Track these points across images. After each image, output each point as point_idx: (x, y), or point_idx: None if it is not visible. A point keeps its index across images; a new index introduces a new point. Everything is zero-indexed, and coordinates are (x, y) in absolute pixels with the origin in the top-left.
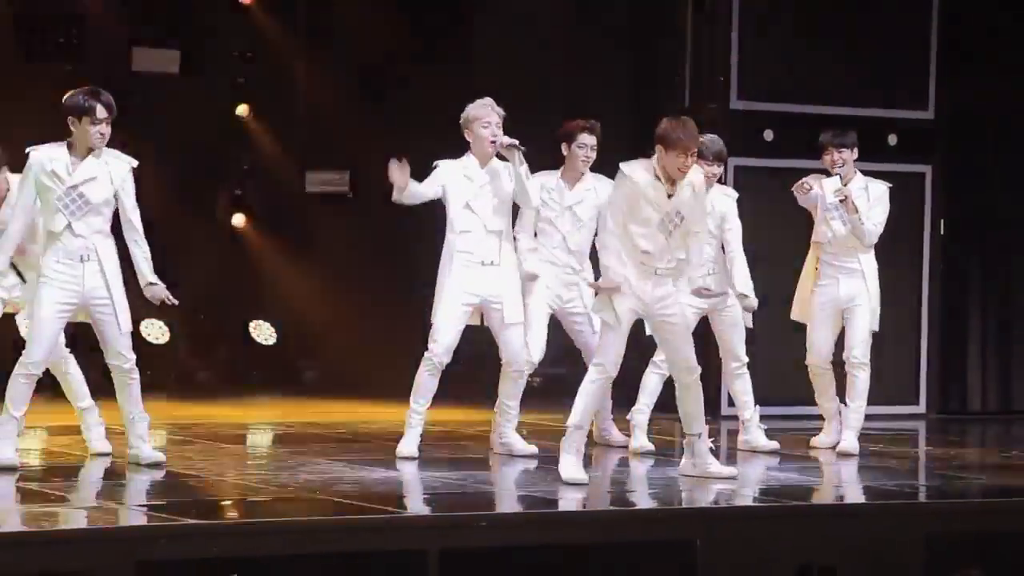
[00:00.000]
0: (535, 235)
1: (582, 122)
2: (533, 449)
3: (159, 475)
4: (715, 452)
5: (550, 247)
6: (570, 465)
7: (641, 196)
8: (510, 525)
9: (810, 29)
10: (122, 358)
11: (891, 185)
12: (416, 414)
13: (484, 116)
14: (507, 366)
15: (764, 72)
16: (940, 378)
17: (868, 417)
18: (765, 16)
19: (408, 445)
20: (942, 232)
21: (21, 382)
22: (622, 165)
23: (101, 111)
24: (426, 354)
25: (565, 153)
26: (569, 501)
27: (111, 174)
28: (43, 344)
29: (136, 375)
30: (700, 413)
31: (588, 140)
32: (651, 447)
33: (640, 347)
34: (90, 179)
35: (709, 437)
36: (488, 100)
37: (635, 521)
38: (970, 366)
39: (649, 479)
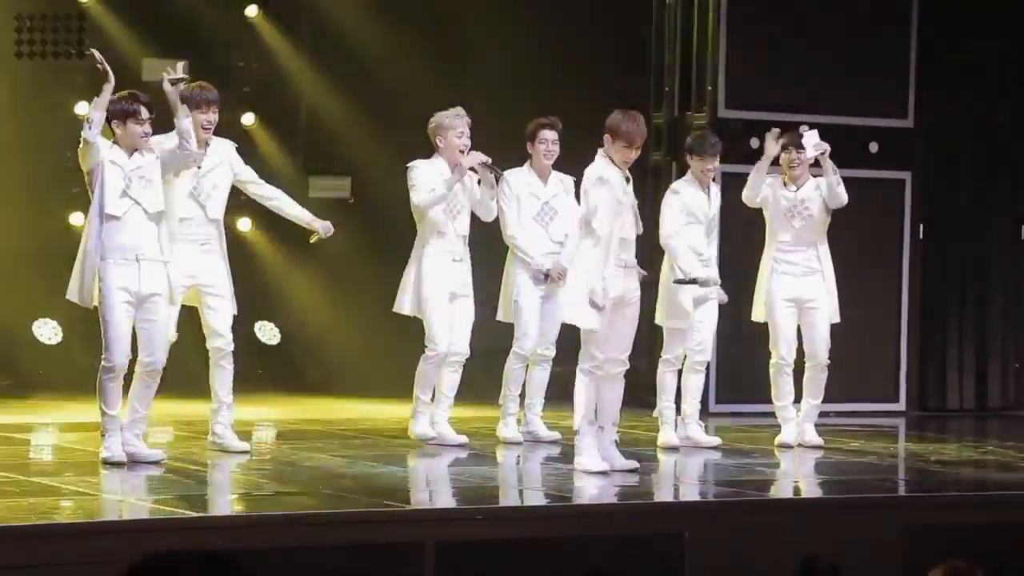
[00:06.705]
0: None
1: (542, 120)
2: (463, 439)
3: (164, 470)
4: (618, 444)
5: (543, 239)
6: (592, 458)
7: (618, 190)
8: (505, 518)
9: (794, 41)
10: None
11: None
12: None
13: (459, 126)
14: (455, 356)
15: (750, 82)
16: (919, 377)
17: (849, 414)
18: (752, 28)
19: (423, 427)
20: (921, 236)
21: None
22: (595, 172)
23: (144, 112)
24: (427, 352)
25: (531, 152)
26: (559, 494)
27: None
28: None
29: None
30: (617, 408)
31: (548, 135)
32: (676, 442)
33: (651, 353)
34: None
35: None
36: (459, 109)
37: (624, 514)
38: (948, 365)
39: (639, 473)
